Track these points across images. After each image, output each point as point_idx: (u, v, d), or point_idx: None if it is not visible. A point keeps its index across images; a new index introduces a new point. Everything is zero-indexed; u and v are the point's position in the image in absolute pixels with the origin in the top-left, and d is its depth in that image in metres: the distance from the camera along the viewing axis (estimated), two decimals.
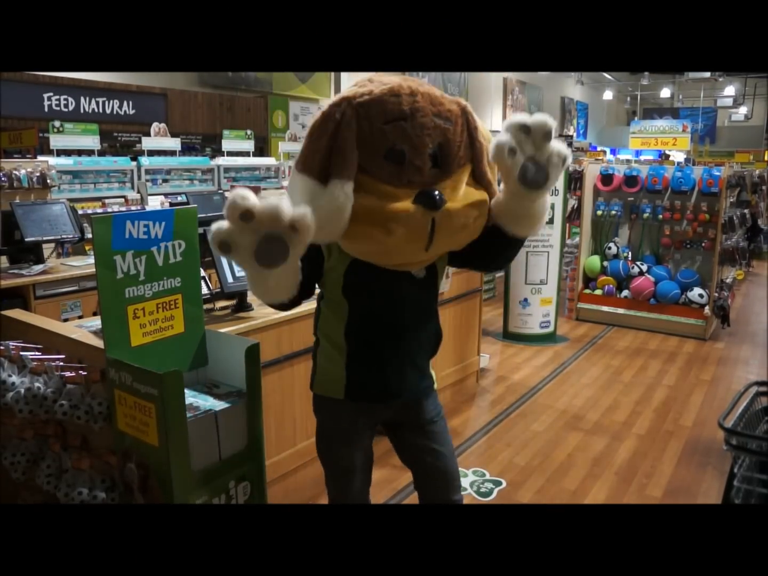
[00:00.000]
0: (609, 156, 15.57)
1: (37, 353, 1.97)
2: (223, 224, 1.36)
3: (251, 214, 1.33)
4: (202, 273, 2.43)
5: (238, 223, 1.34)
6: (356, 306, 1.71)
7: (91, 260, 3.50)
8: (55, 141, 6.20)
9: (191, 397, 1.90)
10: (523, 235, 1.67)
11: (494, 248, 1.72)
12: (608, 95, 21.50)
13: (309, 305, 2.95)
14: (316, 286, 1.77)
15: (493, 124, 16.50)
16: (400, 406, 1.83)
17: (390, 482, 3.15)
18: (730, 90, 18.93)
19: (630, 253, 6.31)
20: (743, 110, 20.82)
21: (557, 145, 1.51)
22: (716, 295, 5.84)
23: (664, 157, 15.19)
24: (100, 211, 5.99)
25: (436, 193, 1.48)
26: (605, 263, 6.33)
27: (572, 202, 6.52)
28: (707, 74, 16.82)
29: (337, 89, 4.11)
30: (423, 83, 1.59)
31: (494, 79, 16.56)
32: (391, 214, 1.47)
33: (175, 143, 7.43)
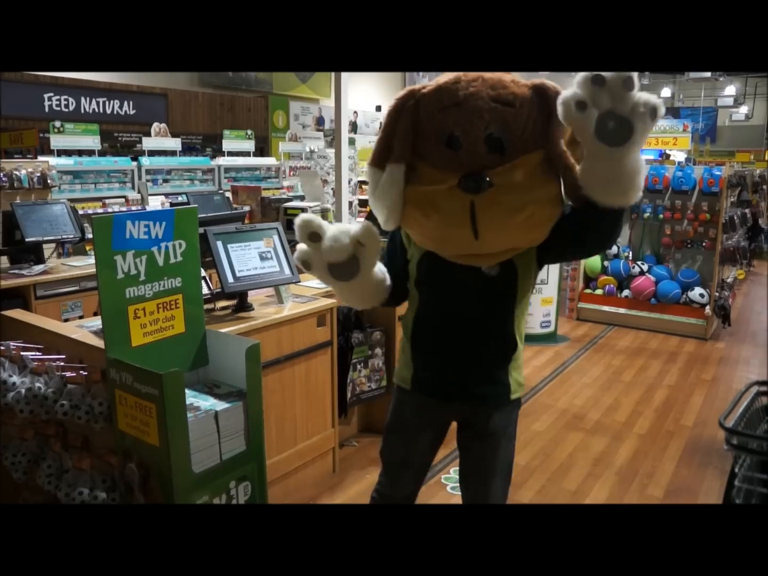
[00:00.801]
0: None
1: (37, 353, 1.97)
2: (303, 246, 1.57)
3: (318, 236, 1.55)
4: (203, 273, 2.43)
5: (310, 244, 1.56)
6: (424, 298, 1.72)
7: (92, 260, 3.50)
8: (56, 141, 6.21)
9: (192, 397, 1.90)
10: (616, 203, 1.46)
11: (587, 225, 1.54)
12: None
13: (309, 306, 2.96)
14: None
15: None
16: (467, 409, 1.77)
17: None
18: (730, 90, 18.92)
19: (631, 252, 6.30)
20: (744, 110, 20.80)
21: (644, 95, 1.34)
22: (717, 294, 5.83)
23: (664, 156, 15.18)
24: (100, 211, 5.99)
25: (479, 176, 1.45)
26: (606, 263, 6.33)
27: None
28: (708, 74, 16.78)
29: (338, 89, 4.10)
30: (495, 73, 1.54)
31: None
32: (425, 195, 1.50)
33: (175, 143, 7.44)
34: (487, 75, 1.53)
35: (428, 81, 1.65)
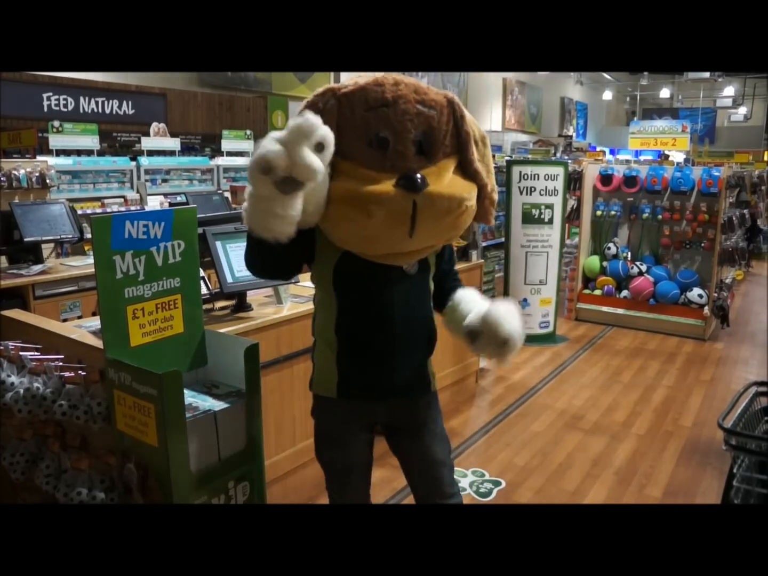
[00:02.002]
0: (608, 156, 15.59)
1: (36, 353, 1.97)
2: (278, 147, 1.35)
3: (323, 147, 1.38)
4: (202, 273, 2.43)
5: (307, 153, 1.35)
6: (345, 301, 1.69)
7: (91, 260, 3.49)
8: (55, 141, 6.20)
9: (190, 397, 1.90)
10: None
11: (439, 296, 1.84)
12: (608, 95, 21.51)
13: (308, 306, 2.96)
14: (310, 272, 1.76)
15: (493, 124, 16.50)
16: (395, 406, 1.80)
17: (390, 482, 3.14)
18: (729, 90, 18.94)
19: (629, 253, 6.31)
20: (742, 110, 20.82)
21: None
22: (716, 295, 5.84)
23: (663, 157, 15.20)
24: (99, 211, 5.98)
25: (419, 176, 1.48)
26: (605, 263, 6.33)
27: (572, 203, 6.52)
28: (707, 74, 16.82)
29: None
30: (409, 78, 1.58)
31: (493, 79, 16.56)
32: (371, 195, 1.47)
33: (174, 143, 7.43)
34: (407, 80, 1.56)
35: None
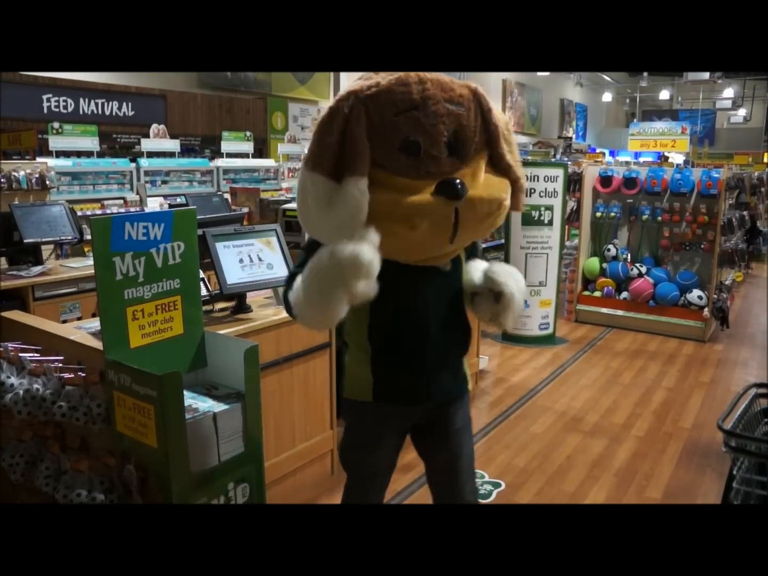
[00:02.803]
0: (608, 158, 15.61)
1: (36, 355, 1.97)
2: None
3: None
4: (201, 274, 2.43)
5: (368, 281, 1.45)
6: (379, 305, 1.57)
7: (90, 261, 3.49)
8: (55, 142, 6.20)
9: (190, 399, 1.90)
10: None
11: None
12: (607, 97, 21.53)
13: None
14: None
15: None
16: (430, 409, 1.76)
17: (390, 483, 3.14)
18: (728, 92, 18.96)
19: (629, 254, 6.31)
20: (742, 112, 20.85)
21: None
22: (715, 296, 5.84)
23: (663, 158, 15.22)
24: (99, 212, 5.98)
25: (458, 181, 1.43)
26: (604, 265, 6.33)
27: (571, 204, 6.52)
28: (706, 76, 16.83)
29: (337, 90, 4.11)
30: (432, 73, 1.52)
31: (493, 81, 16.59)
32: (413, 208, 1.42)
33: (174, 145, 7.44)
34: (430, 76, 1.48)
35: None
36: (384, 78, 1.47)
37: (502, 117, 1.59)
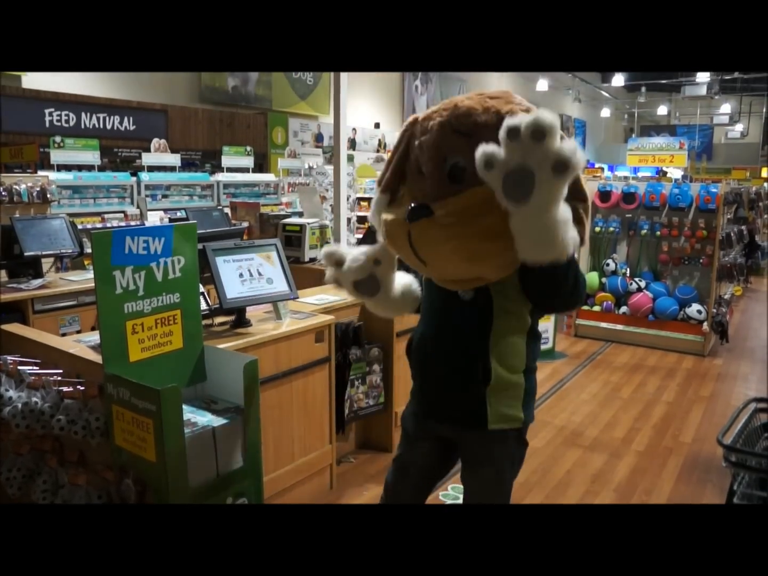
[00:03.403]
0: (607, 173, 15.66)
1: (35, 368, 1.97)
2: (331, 270, 1.75)
3: (342, 262, 1.71)
4: (201, 289, 2.43)
5: (336, 269, 1.72)
6: (420, 318, 1.82)
7: (90, 275, 3.50)
8: (56, 156, 6.23)
9: (189, 413, 1.90)
10: (534, 260, 1.40)
11: (527, 282, 1.57)
12: (606, 113, 21.65)
13: (307, 322, 2.96)
14: None
15: None
16: (452, 430, 1.77)
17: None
18: (726, 107, 19.07)
19: (628, 269, 6.32)
20: (739, 127, 20.98)
21: (554, 147, 1.24)
22: (714, 311, 5.84)
23: (661, 173, 15.28)
24: (99, 226, 6.00)
25: (424, 206, 1.46)
26: (603, 279, 6.34)
27: None
28: (703, 91, 16.97)
29: (337, 106, 4.15)
30: (494, 98, 1.48)
31: None
32: (386, 223, 1.59)
33: (174, 159, 7.47)
34: (466, 103, 1.48)
35: (426, 98, 1.68)
36: (443, 104, 1.56)
37: None
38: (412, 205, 1.50)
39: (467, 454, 1.82)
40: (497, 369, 1.66)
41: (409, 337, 1.85)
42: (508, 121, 1.26)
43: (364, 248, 1.72)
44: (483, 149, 1.29)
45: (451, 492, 3.20)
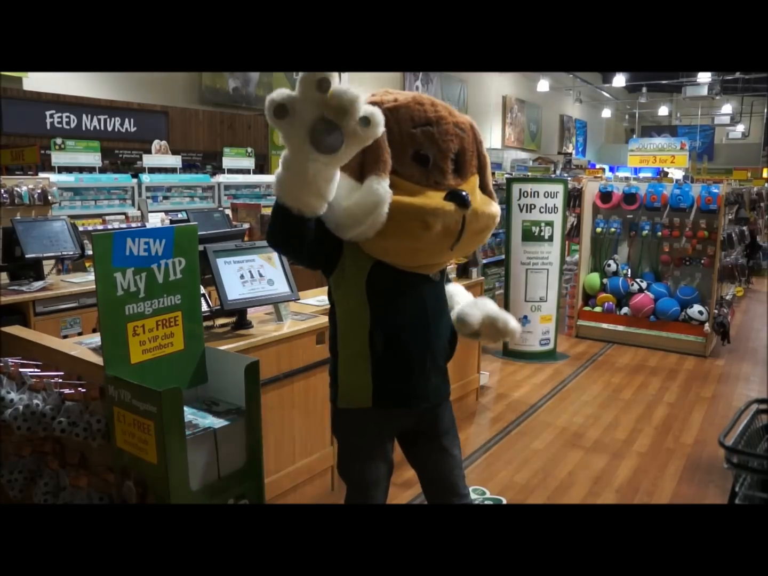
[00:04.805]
0: (608, 173, 15.68)
1: (36, 370, 1.97)
2: (286, 90, 1.37)
3: (328, 84, 1.34)
4: (202, 290, 2.43)
5: (310, 91, 1.34)
6: (379, 309, 1.71)
7: (91, 277, 3.50)
8: (57, 158, 6.24)
9: (190, 415, 1.90)
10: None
11: None
12: (606, 113, 21.67)
13: (308, 323, 2.96)
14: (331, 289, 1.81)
15: (492, 141, 16.60)
16: (423, 411, 1.86)
17: (390, 499, 3.12)
18: (727, 108, 19.07)
19: (629, 270, 6.31)
20: (740, 128, 20.97)
21: (356, 104, 1.36)
22: (716, 311, 5.84)
23: (662, 174, 15.29)
24: (100, 227, 6.00)
25: (465, 193, 1.62)
26: (605, 280, 6.34)
27: (571, 220, 6.54)
28: (704, 92, 16.95)
29: None
30: (438, 99, 1.73)
31: (494, 96, 16.70)
32: (430, 209, 1.58)
33: (175, 161, 7.48)
34: (438, 101, 1.69)
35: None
36: (400, 95, 1.66)
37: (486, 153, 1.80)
38: (464, 192, 1.62)
39: (438, 427, 1.89)
40: (454, 335, 1.89)
41: (369, 333, 1.71)
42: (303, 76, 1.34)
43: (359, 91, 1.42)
44: (271, 97, 1.36)
45: None
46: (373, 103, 1.55)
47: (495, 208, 1.75)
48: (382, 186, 1.54)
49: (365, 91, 1.48)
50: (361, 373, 1.75)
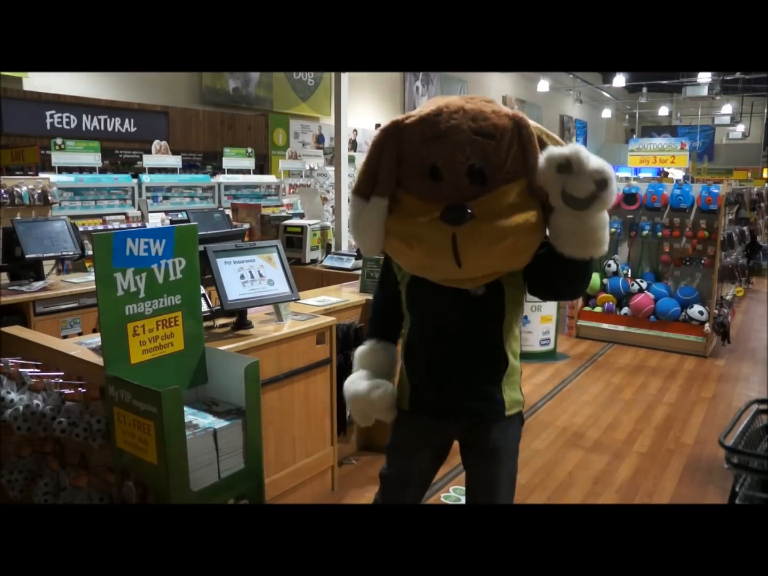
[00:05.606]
0: None
1: (36, 370, 1.97)
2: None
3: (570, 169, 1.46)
4: (202, 290, 2.43)
5: (556, 174, 1.48)
6: (415, 319, 1.77)
7: (92, 277, 3.50)
8: (57, 158, 6.24)
9: (190, 415, 1.90)
10: (575, 255, 1.54)
11: (551, 270, 1.62)
12: (607, 113, 21.64)
13: (308, 323, 2.96)
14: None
15: None
16: (465, 426, 1.79)
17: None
18: (727, 108, 19.04)
19: (629, 270, 6.31)
20: (740, 128, 20.95)
21: (596, 168, 1.46)
22: (716, 312, 5.83)
23: (662, 174, 15.28)
24: (100, 228, 6.00)
25: (460, 208, 1.49)
26: (605, 280, 6.34)
27: None
28: (704, 92, 16.93)
29: (338, 108, 4.16)
30: (482, 101, 1.57)
31: (494, 96, 16.57)
32: (409, 229, 1.55)
33: (175, 161, 7.48)
34: (468, 106, 1.54)
35: (427, 99, 1.68)
36: (428, 107, 1.57)
37: (555, 141, 1.61)
38: (462, 207, 1.49)
39: (482, 446, 1.80)
40: (509, 356, 1.76)
41: (406, 341, 1.82)
42: (556, 152, 1.47)
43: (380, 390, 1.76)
44: (559, 152, 1.46)
45: (452, 494, 3.20)
46: (394, 122, 1.59)
47: (509, 221, 1.51)
48: (376, 207, 1.60)
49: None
50: (405, 377, 1.83)
